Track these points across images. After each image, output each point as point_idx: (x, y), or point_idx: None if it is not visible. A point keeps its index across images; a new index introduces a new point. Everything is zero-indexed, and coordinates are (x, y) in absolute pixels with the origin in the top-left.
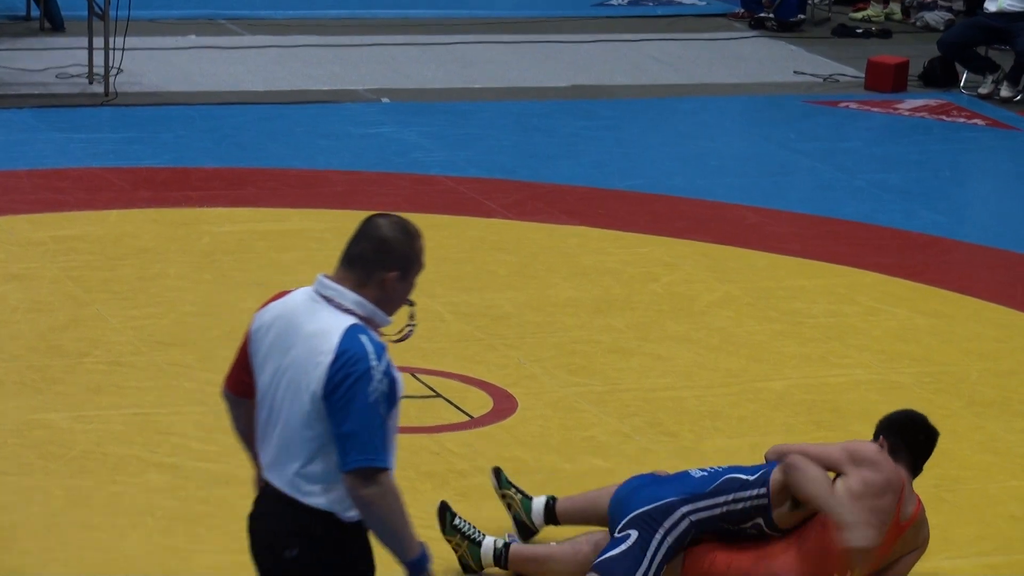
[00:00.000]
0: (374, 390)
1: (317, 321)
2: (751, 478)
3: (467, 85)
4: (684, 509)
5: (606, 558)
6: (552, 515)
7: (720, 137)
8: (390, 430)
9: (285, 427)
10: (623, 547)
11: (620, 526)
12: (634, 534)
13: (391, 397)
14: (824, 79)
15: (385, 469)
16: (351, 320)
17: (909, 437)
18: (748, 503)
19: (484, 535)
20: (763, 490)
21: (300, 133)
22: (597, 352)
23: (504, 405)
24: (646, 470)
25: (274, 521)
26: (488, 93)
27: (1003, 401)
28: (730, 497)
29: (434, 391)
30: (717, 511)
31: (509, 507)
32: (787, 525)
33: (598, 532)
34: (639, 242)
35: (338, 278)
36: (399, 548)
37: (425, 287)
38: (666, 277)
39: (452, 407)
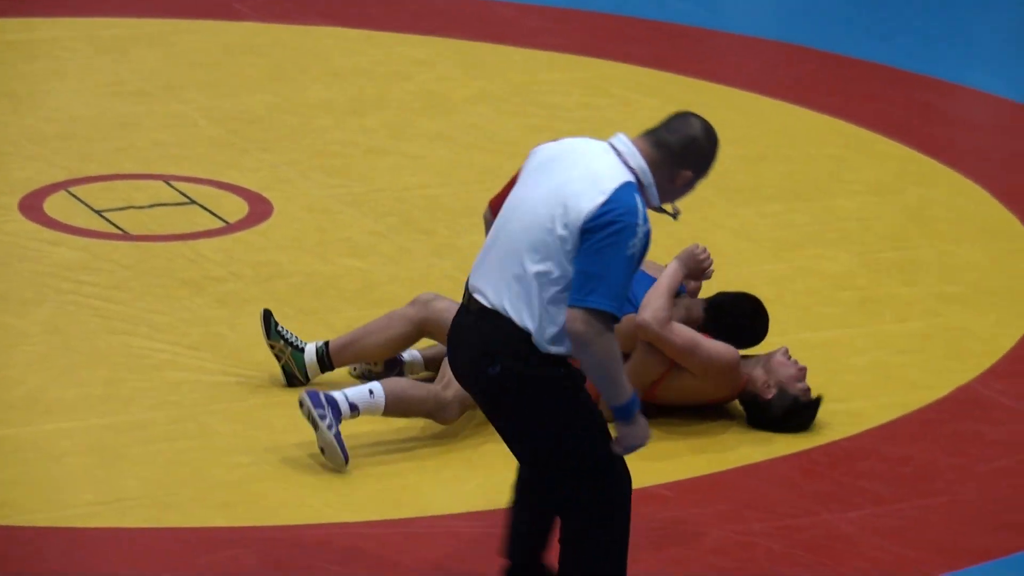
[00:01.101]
0: (633, 245)
1: (603, 162)
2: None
3: None
4: None
5: None
6: (326, 361)
7: None
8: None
9: (519, 236)
10: None
11: None
12: None
13: (640, 259)
14: None
15: (617, 319)
16: (631, 178)
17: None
18: None
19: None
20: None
21: None
22: (352, 153)
23: (259, 209)
24: (402, 270)
25: (487, 332)
26: None
27: (755, 186)
28: None
29: (189, 198)
30: None
31: (278, 359)
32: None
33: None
34: (393, 41)
35: (638, 145)
36: (613, 391)
37: (177, 92)
38: (420, 75)
39: (207, 213)
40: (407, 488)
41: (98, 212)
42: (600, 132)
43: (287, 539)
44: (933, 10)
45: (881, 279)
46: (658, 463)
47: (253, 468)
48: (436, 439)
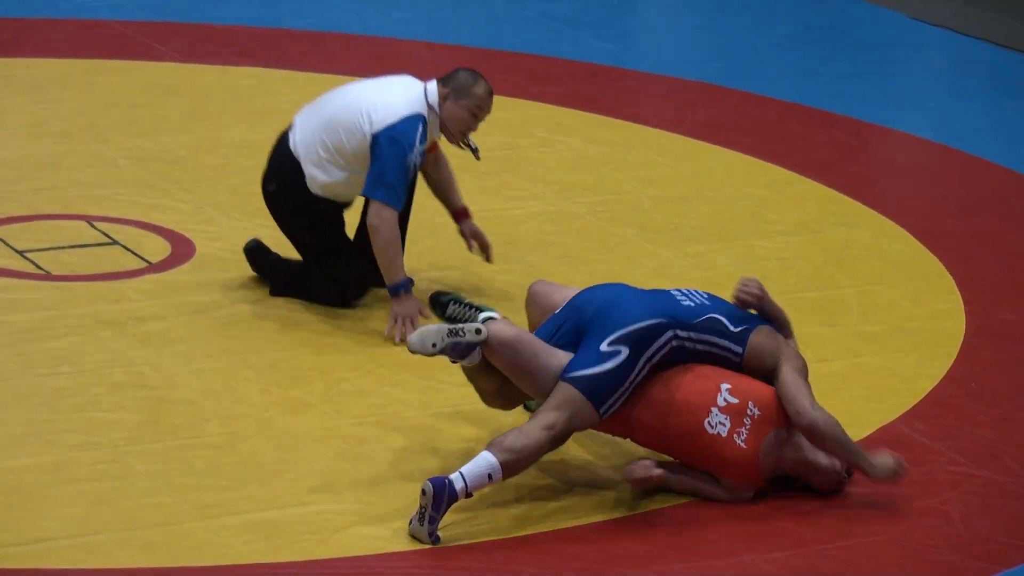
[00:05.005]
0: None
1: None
2: (734, 330)
3: None
4: (670, 333)
5: (590, 373)
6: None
7: None
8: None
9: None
10: (610, 365)
11: (611, 339)
12: (624, 352)
13: None
14: None
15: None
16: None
17: None
18: (723, 353)
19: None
20: (740, 349)
21: None
22: None
23: (182, 250)
24: (325, 308)
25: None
26: None
27: (675, 227)
28: (711, 339)
29: (111, 238)
30: (696, 347)
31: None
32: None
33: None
34: (312, 82)
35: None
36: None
37: (98, 133)
38: None
39: (130, 253)
40: (330, 529)
41: (20, 252)
42: (522, 172)
43: None
44: (850, 50)
45: (802, 319)
46: (579, 500)
47: (175, 508)
48: (357, 483)
